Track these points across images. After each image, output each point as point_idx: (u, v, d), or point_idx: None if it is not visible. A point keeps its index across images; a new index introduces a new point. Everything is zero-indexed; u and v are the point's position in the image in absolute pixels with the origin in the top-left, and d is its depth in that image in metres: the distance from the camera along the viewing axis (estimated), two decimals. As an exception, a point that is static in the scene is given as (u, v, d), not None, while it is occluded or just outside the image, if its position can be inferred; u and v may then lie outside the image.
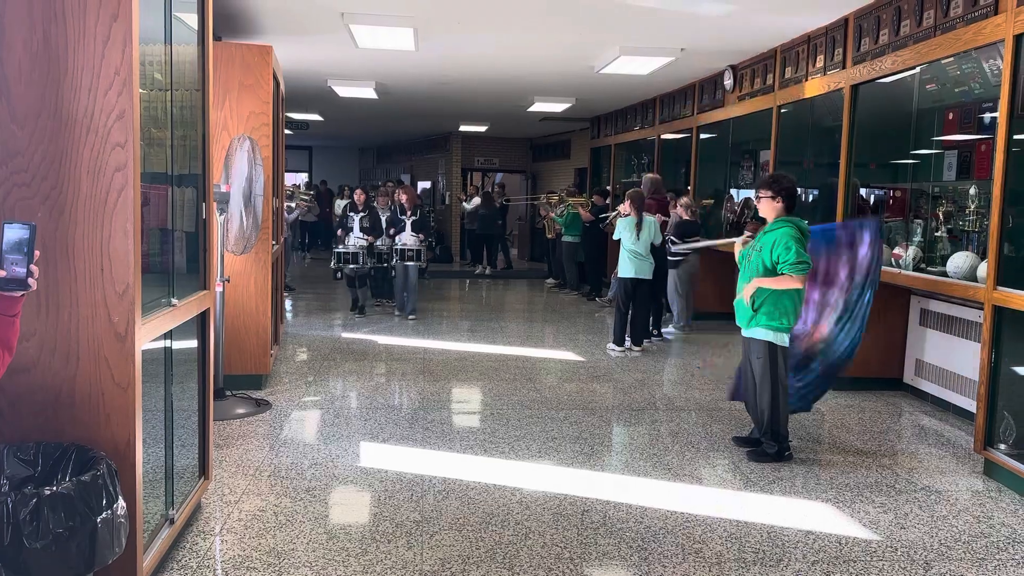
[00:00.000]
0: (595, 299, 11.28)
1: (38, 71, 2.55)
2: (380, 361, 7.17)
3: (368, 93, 11.00)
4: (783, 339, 4.58)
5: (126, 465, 2.68)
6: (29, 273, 1.84)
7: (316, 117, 14.81)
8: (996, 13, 4.51)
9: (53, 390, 2.64)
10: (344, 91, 10.91)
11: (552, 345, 8.19)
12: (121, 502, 2.41)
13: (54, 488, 2.20)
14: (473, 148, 19.30)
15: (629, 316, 7.77)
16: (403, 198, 9.41)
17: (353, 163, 26.19)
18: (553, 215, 12.45)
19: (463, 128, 17.03)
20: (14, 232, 1.83)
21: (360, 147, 25.87)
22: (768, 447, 4.64)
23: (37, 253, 1.88)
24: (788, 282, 4.45)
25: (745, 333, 4.70)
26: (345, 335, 8.29)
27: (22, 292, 1.87)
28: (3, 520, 2.09)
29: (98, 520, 2.27)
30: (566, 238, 11.94)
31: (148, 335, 2.82)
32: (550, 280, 13.38)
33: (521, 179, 20.21)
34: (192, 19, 3.57)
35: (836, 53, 6.46)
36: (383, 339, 8.14)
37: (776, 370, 4.57)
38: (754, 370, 4.65)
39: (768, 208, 4.60)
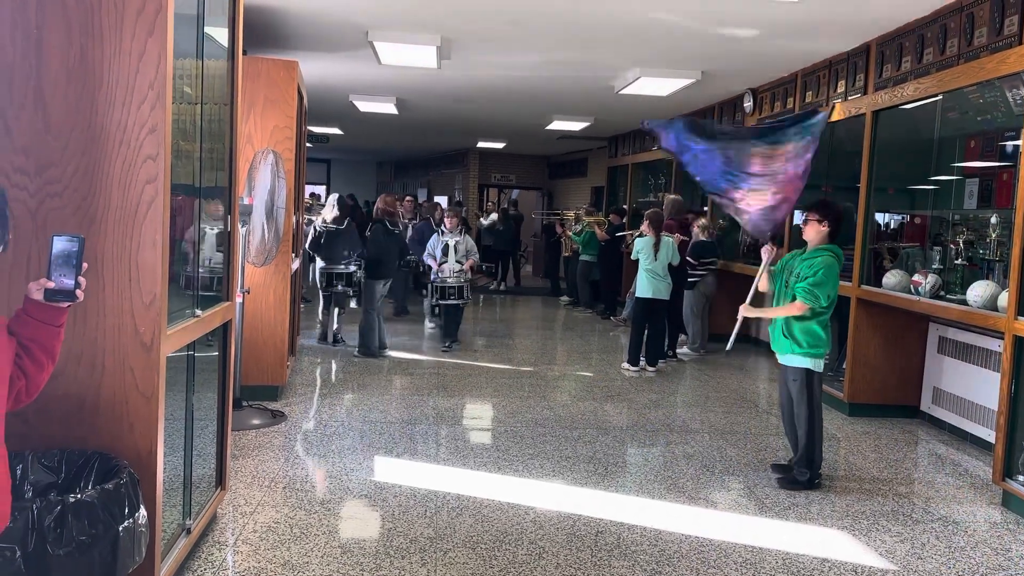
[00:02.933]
0: (610, 318, 11.28)
1: (74, 85, 2.60)
2: (395, 375, 7.19)
3: (389, 108, 11.09)
4: (819, 365, 4.58)
5: (147, 474, 2.70)
6: (77, 284, 1.89)
7: (336, 131, 14.94)
8: (1020, 43, 4.52)
9: (78, 398, 2.67)
10: (365, 106, 11.01)
11: (566, 363, 8.19)
12: (142, 511, 2.43)
13: (78, 495, 2.23)
14: (490, 164, 19.40)
15: (645, 336, 7.76)
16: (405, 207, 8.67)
17: (371, 177, 26.37)
18: (570, 233, 12.48)
19: (481, 144, 17.13)
20: (63, 244, 1.88)
21: (378, 161, 26.04)
22: (800, 474, 4.61)
23: (85, 265, 1.92)
24: (791, 309, 4.46)
25: (781, 360, 4.69)
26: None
27: (69, 303, 1.91)
28: (28, 526, 2.11)
29: (120, 528, 2.29)
30: (583, 256, 11.97)
31: (173, 345, 2.85)
32: (565, 297, 13.39)
33: (537, 196, 20.27)
34: (221, 34, 3.63)
35: (858, 79, 6.47)
36: (397, 353, 8.16)
37: (813, 395, 4.55)
38: (791, 394, 4.64)
39: (813, 232, 4.61)
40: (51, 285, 1.89)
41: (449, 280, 8.25)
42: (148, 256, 2.66)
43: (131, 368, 2.68)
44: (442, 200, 20.15)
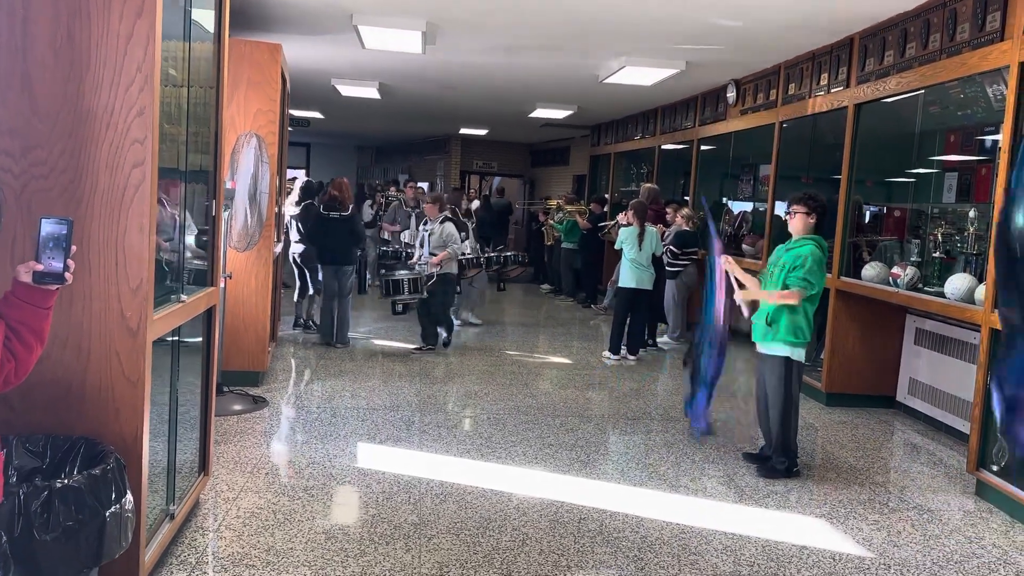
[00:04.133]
0: (591, 306, 11.32)
1: (61, 66, 2.57)
2: (376, 362, 7.18)
3: (371, 93, 11.02)
4: (800, 355, 4.62)
5: (132, 459, 2.69)
6: (66, 267, 1.88)
7: (317, 115, 14.82)
8: (1003, 39, 4.57)
9: (63, 383, 2.65)
10: (347, 90, 10.93)
11: (547, 351, 8.22)
12: (129, 496, 2.42)
13: (65, 481, 2.22)
14: (472, 151, 19.34)
15: (626, 325, 7.80)
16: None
17: (351, 161, 26.19)
18: (552, 222, 12.50)
19: (463, 131, 17.07)
20: (51, 227, 1.87)
21: (359, 146, 25.88)
22: (778, 463, 4.66)
23: (74, 248, 1.91)
24: (788, 297, 4.50)
25: (761, 349, 4.73)
26: (341, 334, 8.29)
27: (58, 285, 1.90)
28: (14, 512, 2.10)
29: (107, 514, 2.29)
30: (565, 244, 11.99)
31: (159, 331, 2.84)
32: (545, 285, 13.41)
33: (519, 184, 20.25)
34: (205, 16, 3.59)
35: (840, 72, 6.51)
36: (380, 341, 8.15)
37: (790, 386, 4.60)
38: (768, 384, 4.68)
39: (801, 224, 4.64)
40: (40, 268, 1.88)
41: (397, 273, 7.64)
42: (135, 241, 2.64)
43: (117, 353, 2.67)
44: (423, 186, 20.05)
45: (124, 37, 2.59)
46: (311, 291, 8.49)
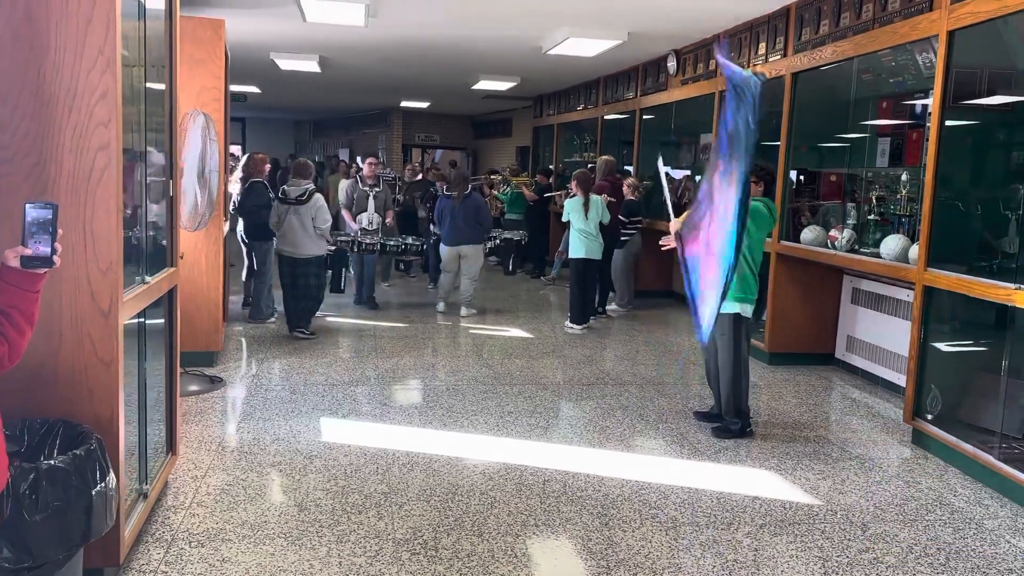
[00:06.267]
0: (539, 278, 11.45)
1: (20, 48, 2.55)
2: (329, 339, 7.20)
3: (311, 67, 10.87)
4: (748, 310, 4.82)
5: (109, 440, 2.71)
6: (54, 251, 1.91)
7: (254, 89, 14.55)
8: (931, 9, 4.78)
9: (35, 366, 2.66)
10: (287, 64, 10.76)
11: (499, 322, 8.33)
12: (112, 475, 2.46)
13: (52, 462, 2.25)
14: (414, 124, 19.23)
15: (582, 294, 7.94)
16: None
17: (288, 136, 25.78)
18: (496, 192, 12.55)
19: (404, 104, 16.94)
20: (37, 212, 1.90)
21: (296, 120, 25.46)
22: (731, 424, 4.86)
23: (60, 231, 1.94)
24: None
25: None
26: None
27: (46, 269, 1.93)
28: (4, 493, 2.12)
29: (93, 493, 2.33)
30: (509, 215, 12.07)
31: (129, 312, 2.85)
32: (492, 257, 13.49)
33: (462, 156, 20.21)
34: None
35: (778, 41, 6.70)
36: (331, 318, 8.15)
37: (739, 347, 4.79)
38: (718, 344, 4.87)
39: (751, 190, 4.82)
40: (28, 252, 1.90)
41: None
42: (103, 223, 2.65)
43: (89, 335, 2.68)
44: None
45: (84, 19, 2.57)
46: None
